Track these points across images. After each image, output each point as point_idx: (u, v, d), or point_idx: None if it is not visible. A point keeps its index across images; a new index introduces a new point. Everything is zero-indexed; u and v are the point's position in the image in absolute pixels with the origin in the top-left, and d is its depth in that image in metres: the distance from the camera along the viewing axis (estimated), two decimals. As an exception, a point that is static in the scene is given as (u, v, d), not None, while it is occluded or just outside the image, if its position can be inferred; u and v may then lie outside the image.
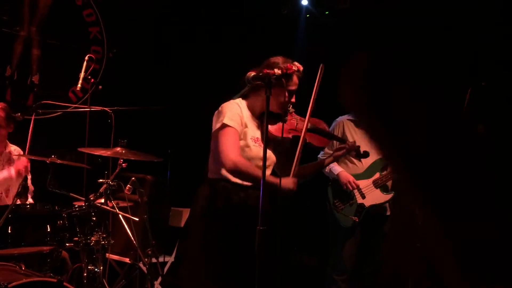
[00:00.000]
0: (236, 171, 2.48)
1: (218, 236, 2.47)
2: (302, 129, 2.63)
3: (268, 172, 2.65)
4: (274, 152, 2.68)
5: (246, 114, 2.62)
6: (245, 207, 2.45)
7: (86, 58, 3.72)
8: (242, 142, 2.57)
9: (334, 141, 3.81)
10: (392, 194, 3.66)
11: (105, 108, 3.75)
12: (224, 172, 2.57)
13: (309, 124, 2.67)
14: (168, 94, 4.83)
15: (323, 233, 3.86)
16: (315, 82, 2.65)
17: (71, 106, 4.09)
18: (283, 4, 5.45)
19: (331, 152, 3.81)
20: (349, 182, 3.58)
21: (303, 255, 5.14)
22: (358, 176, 3.65)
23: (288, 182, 2.51)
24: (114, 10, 4.70)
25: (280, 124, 2.64)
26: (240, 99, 2.66)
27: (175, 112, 4.70)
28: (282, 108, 2.64)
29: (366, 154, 2.99)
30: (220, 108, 2.62)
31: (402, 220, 3.85)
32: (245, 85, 2.63)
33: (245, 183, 2.55)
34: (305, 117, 2.67)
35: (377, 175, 3.65)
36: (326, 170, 3.71)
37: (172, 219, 4.40)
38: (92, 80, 3.86)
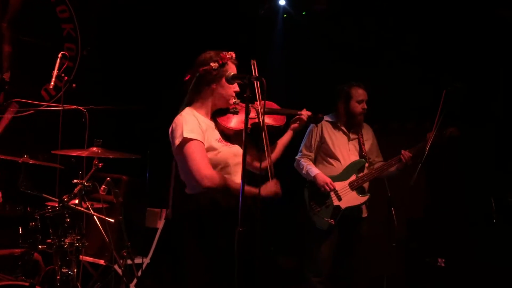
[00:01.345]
0: (213, 188, 2.33)
1: (217, 249, 2.36)
2: (256, 116, 2.52)
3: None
4: (240, 146, 2.49)
5: (201, 119, 2.49)
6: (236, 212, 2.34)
7: (60, 55, 3.64)
8: (209, 150, 2.43)
9: (312, 142, 3.83)
10: (368, 196, 3.67)
11: (79, 107, 3.68)
12: None
13: (263, 108, 2.48)
14: (143, 93, 4.75)
15: (300, 234, 3.86)
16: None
17: (44, 105, 3.98)
18: (260, 5, 5.44)
19: (309, 153, 3.83)
20: (326, 184, 3.58)
21: (280, 256, 5.14)
22: (334, 178, 3.65)
23: (268, 187, 2.41)
24: (88, 6, 4.60)
25: (230, 117, 2.54)
26: (188, 108, 2.51)
27: (151, 112, 4.63)
28: (230, 100, 2.52)
29: (320, 118, 2.97)
30: (173, 125, 2.46)
31: (378, 221, 3.89)
32: (186, 93, 2.55)
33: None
34: (251, 104, 2.53)
35: (353, 177, 3.66)
36: (303, 172, 3.71)
37: (148, 220, 4.34)
38: (66, 78, 3.77)
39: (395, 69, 4.94)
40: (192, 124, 2.41)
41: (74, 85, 4.10)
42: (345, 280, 3.75)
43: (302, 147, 3.85)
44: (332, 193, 3.62)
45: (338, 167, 3.71)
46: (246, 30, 5.20)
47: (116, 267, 3.64)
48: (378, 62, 5.01)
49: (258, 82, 2.46)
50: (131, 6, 4.73)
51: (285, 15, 5.63)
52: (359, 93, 3.70)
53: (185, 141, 2.36)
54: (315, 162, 3.81)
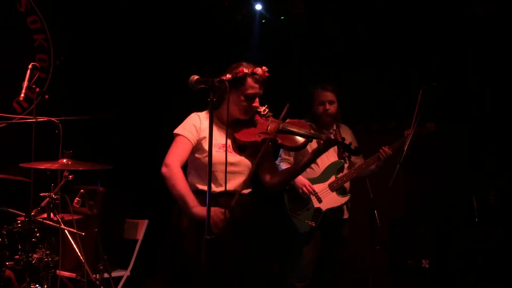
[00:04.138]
0: (164, 175, 2.49)
1: (188, 254, 2.43)
2: (273, 132, 2.56)
3: (241, 178, 2.59)
4: (249, 157, 2.62)
5: (211, 123, 2.53)
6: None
7: (30, 66, 3.56)
8: (199, 150, 2.56)
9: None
10: (349, 196, 3.63)
11: (52, 118, 3.59)
12: (190, 179, 2.58)
13: (280, 125, 2.59)
14: (118, 102, 4.68)
15: (283, 239, 3.80)
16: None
17: (16, 117, 3.89)
18: (237, 11, 5.41)
19: (288, 157, 3.77)
20: (305, 186, 3.54)
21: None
22: (314, 180, 3.61)
23: (199, 212, 2.40)
24: (60, 16, 4.52)
25: (245, 127, 2.60)
26: (207, 111, 2.61)
27: (125, 120, 4.55)
28: (245, 113, 2.60)
29: (357, 151, 2.71)
30: None
31: (360, 223, 3.84)
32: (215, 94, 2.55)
33: (216, 190, 2.51)
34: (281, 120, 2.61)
35: (332, 178, 3.62)
36: None
37: (128, 232, 4.25)
38: (38, 89, 3.69)
39: (374, 71, 4.94)
40: (189, 124, 2.59)
41: (47, 96, 4.02)
42: (329, 284, 3.69)
43: (281, 151, 3.80)
44: (312, 196, 3.57)
45: (317, 169, 3.67)
46: (223, 36, 5.16)
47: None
48: (356, 65, 5.00)
49: (287, 105, 2.60)
50: (103, 15, 4.66)
51: (263, 20, 5.60)
52: (321, 95, 3.68)
53: (175, 135, 2.58)
54: (295, 165, 3.76)
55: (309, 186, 3.54)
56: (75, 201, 3.22)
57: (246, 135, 2.58)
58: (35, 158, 3.59)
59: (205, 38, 5.04)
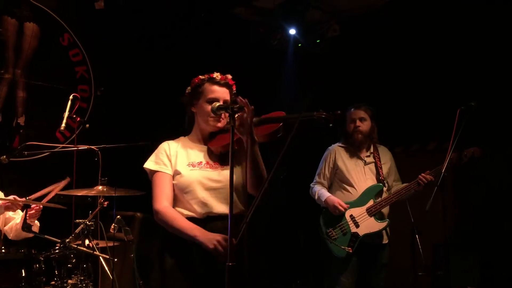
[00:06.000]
0: (160, 221, 2.34)
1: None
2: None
3: (226, 194, 2.24)
4: (239, 165, 2.37)
5: (184, 145, 2.45)
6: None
7: (71, 97, 3.70)
8: (175, 175, 2.38)
9: (325, 170, 3.72)
10: (387, 221, 3.52)
11: (92, 147, 3.70)
12: (178, 207, 2.38)
13: (254, 119, 2.31)
14: (156, 130, 4.77)
15: (319, 263, 3.72)
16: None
17: (58, 146, 4.04)
18: (272, 35, 5.47)
19: (322, 181, 3.72)
20: (338, 204, 3.46)
21: (306, 287, 4.98)
22: (351, 204, 3.53)
23: (208, 238, 2.18)
24: (101, 49, 4.72)
25: (218, 136, 2.42)
26: (181, 137, 2.52)
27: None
28: (213, 121, 2.40)
29: (337, 117, 2.44)
30: None
31: (402, 248, 3.72)
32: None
33: (211, 213, 2.31)
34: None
35: (371, 203, 3.52)
36: (316, 198, 3.63)
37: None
38: (78, 119, 3.83)
39: (415, 91, 4.84)
40: (157, 153, 2.44)
41: (87, 125, 4.16)
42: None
43: (316, 174, 3.77)
44: (349, 220, 3.49)
45: (355, 193, 3.58)
46: (258, 61, 5.21)
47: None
48: (395, 85, 4.92)
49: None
50: (142, 47, 4.81)
51: (299, 44, 5.63)
52: (352, 113, 3.68)
53: (147, 170, 2.42)
54: (332, 189, 3.70)
55: (341, 204, 3.46)
56: (112, 227, 3.27)
57: (221, 141, 2.40)
58: (76, 186, 3.71)
59: (242, 66, 5.10)
